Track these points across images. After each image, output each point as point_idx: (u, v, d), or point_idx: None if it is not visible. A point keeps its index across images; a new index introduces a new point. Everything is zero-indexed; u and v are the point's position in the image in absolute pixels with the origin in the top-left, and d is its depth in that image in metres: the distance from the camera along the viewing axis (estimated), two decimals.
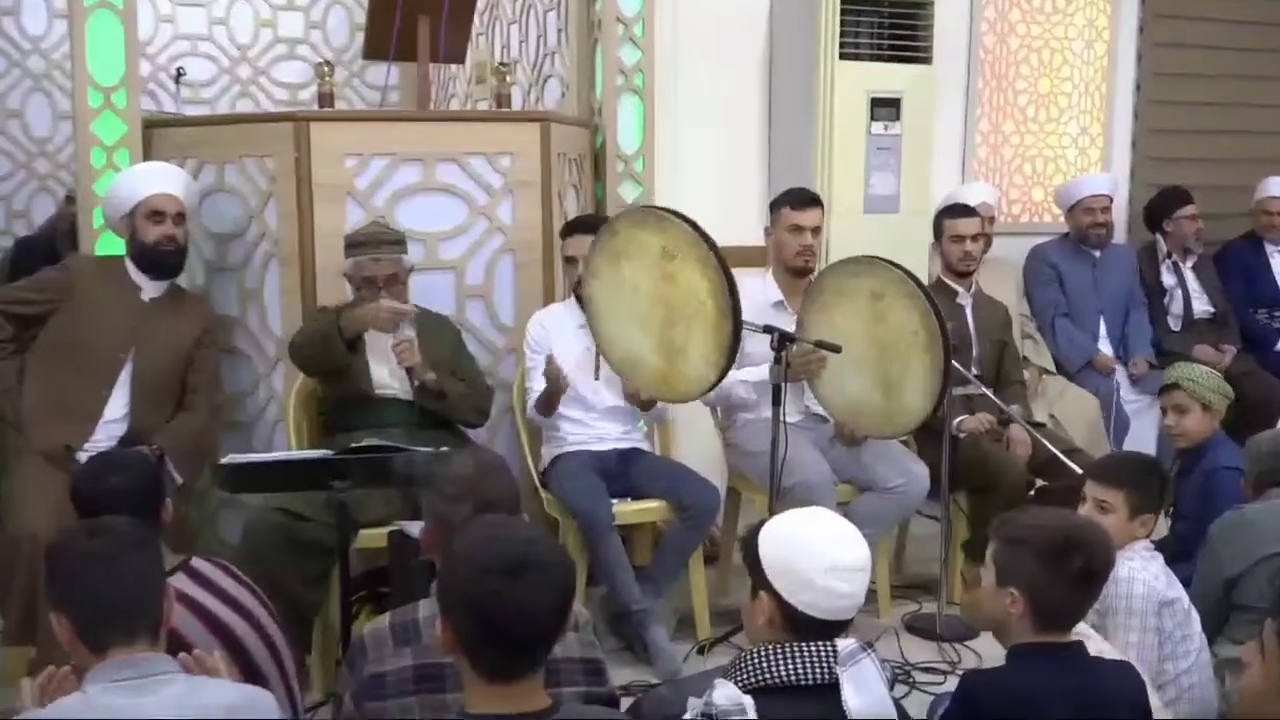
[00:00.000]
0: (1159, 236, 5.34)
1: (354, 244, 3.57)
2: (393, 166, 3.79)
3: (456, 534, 1.90)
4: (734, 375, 3.53)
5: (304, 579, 3.26)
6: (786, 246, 3.85)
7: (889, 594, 3.96)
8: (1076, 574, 2.11)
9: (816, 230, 3.86)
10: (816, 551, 1.96)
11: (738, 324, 3.09)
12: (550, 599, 1.73)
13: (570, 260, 3.76)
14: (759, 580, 2.00)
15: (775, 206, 3.92)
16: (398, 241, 3.61)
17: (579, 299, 3.71)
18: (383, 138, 3.81)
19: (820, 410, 3.83)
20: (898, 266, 3.50)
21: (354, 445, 3.00)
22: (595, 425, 3.78)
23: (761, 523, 2.07)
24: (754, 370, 3.72)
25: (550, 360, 3.59)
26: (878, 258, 3.54)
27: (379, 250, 3.55)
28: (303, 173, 3.71)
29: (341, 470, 2.87)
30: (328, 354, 3.47)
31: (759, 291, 3.87)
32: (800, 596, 1.95)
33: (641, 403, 3.65)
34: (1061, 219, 5.36)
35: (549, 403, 3.67)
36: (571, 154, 4.19)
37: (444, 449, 2.96)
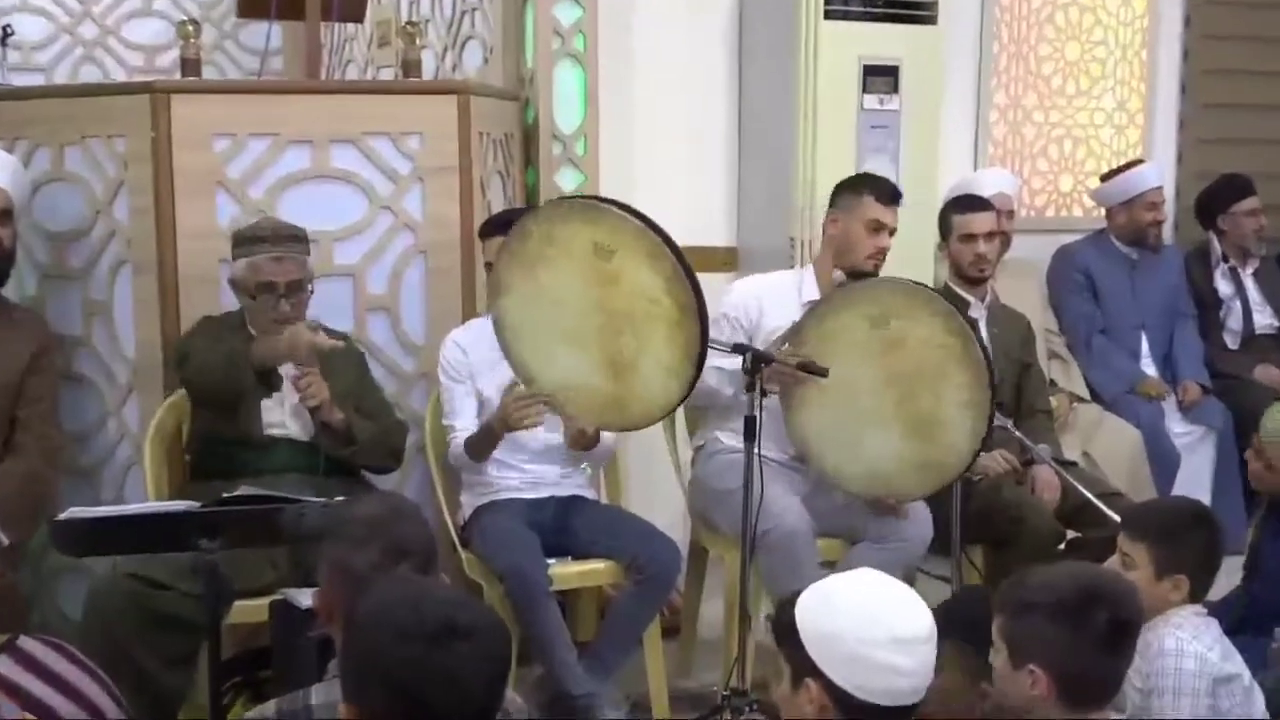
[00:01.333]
0: (1212, 235, 5.45)
1: (248, 239, 3.56)
2: (275, 149, 3.80)
3: (361, 591, 1.90)
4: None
5: (164, 661, 3.23)
6: (859, 244, 3.86)
7: None
8: (1103, 631, 2.15)
9: (893, 234, 3.92)
10: (872, 620, 1.98)
11: (704, 322, 3.13)
12: (483, 672, 1.74)
13: (493, 266, 3.77)
14: (801, 663, 2.01)
15: (850, 190, 3.92)
16: (301, 239, 3.62)
17: None
18: (262, 114, 3.81)
19: None
20: (885, 278, 3.56)
21: (227, 495, 2.99)
22: (527, 468, 3.79)
23: (795, 594, 2.09)
24: (727, 359, 3.73)
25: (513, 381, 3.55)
26: (858, 282, 3.60)
27: (282, 246, 3.54)
28: (162, 157, 3.70)
29: (211, 526, 2.85)
30: (231, 388, 3.45)
31: (789, 288, 3.90)
32: (857, 680, 1.97)
33: (587, 441, 3.65)
34: (1096, 213, 5.45)
35: (489, 440, 3.66)
36: (496, 133, 4.22)
37: (340, 498, 2.95)
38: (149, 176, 3.72)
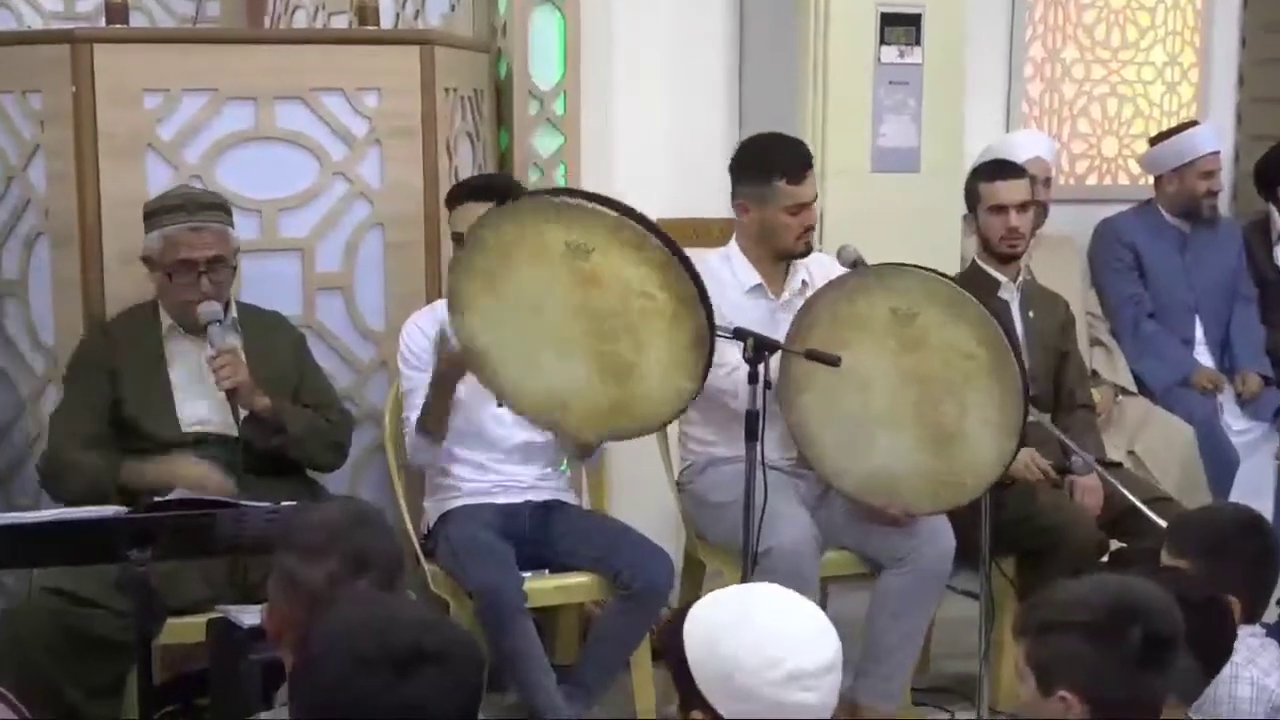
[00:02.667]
0: (1274, 207, 5.47)
1: (160, 210, 3.57)
2: (212, 107, 3.80)
3: (317, 608, 1.91)
4: None
5: (89, 688, 3.24)
6: (784, 231, 3.88)
7: (908, 700, 4.02)
8: (1139, 648, 2.17)
9: (815, 197, 3.93)
10: (769, 657, 2.00)
11: (708, 308, 3.13)
12: (453, 701, 1.76)
13: (461, 237, 3.78)
14: (688, 694, 2.04)
15: (756, 177, 3.91)
16: (221, 207, 3.63)
17: None
18: (198, 66, 3.81)
19: None
20: (919, 267, 3.57)
21: (159, 499, 3.00)
22: (499, 469, 3.81)
23: (684, 609, 2.11)
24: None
25: (442, 331, 3.53)
26: (889, 265, 3.60)
27: (198, 215, 3.55)
28: (84, 116, 3.70)
29: (142, 534, 2.86)
30: (94, 500, 3.40)
31: (723, 272, 3.92)
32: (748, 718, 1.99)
33: (589, 453, 3.69)
34: (1144, 181, 5.46)
35: (439, 403, 3.64)
36: (465, 90, 4.22)
37: (288, 503, 2.97)
38: (69, 137, 3.72)
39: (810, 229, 3.92)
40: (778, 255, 3.93)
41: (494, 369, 3.38)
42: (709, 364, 3.21)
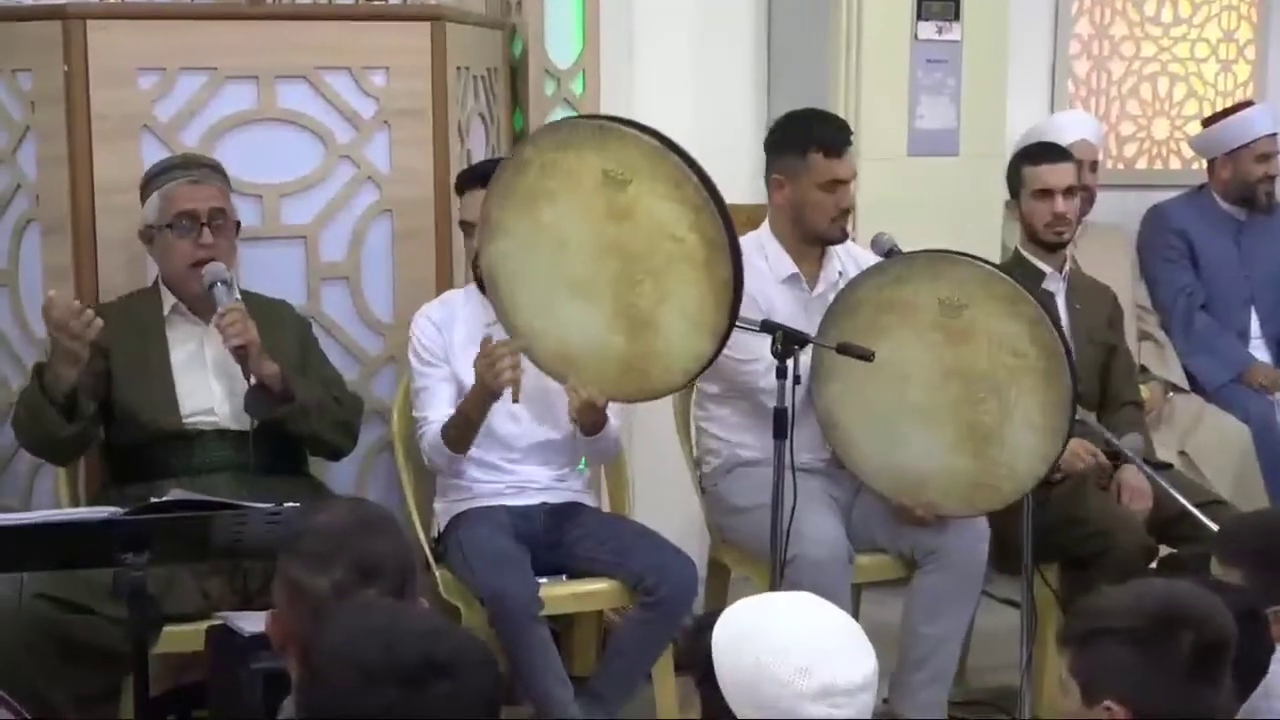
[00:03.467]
0: None
1: (156, 173, 3.62)
2: (211, 87, 3.82)
3: (323, 618, 1.92)
4: None
5: (81, 698, 3.26)
6: (818, 209, 3.88)
7: (944, 715, 4.02)
8: (1190, 656, 2.17)
9: (853, 177, 3.94)
10: (799, 667, 2.00)
11: (738, 261, 3.12)
12: (468, 715, 1.76)
13: (470, 226, 3.79)
14: (712, 703, 2.04)
15: (791, 150, 3.92)
16: (219, 169, 3.67)
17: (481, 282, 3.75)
18: (196, 44, 3.83)
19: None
20: (975, 258, 3.57)
21: (156, 500, 3.01)
22: (514, 469, 3.81)
23: (711, 616, 2.11)
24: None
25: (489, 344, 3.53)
26: (942, 252, 3.60)
27: (196, 171, 3.60)
28: (76, 96, 3.72)
29: (137, 537, 2.87)
30: (45, 433, 3.44)
31: (758, 260, 3.92)
32: None
33: (595, 416, 3.62)
34: (1197, 165, 5.46)
35: (469, 419, 3.65)
36: (478, 69, 4.23)
37: (290, 504, 2.98)
38: (61, 119, 3.73)
39: (846, 212, 3.92)
40: (811, 239, 3.92)
41: (514, 306, 3.41)
42: (732, 323, 3.20)
